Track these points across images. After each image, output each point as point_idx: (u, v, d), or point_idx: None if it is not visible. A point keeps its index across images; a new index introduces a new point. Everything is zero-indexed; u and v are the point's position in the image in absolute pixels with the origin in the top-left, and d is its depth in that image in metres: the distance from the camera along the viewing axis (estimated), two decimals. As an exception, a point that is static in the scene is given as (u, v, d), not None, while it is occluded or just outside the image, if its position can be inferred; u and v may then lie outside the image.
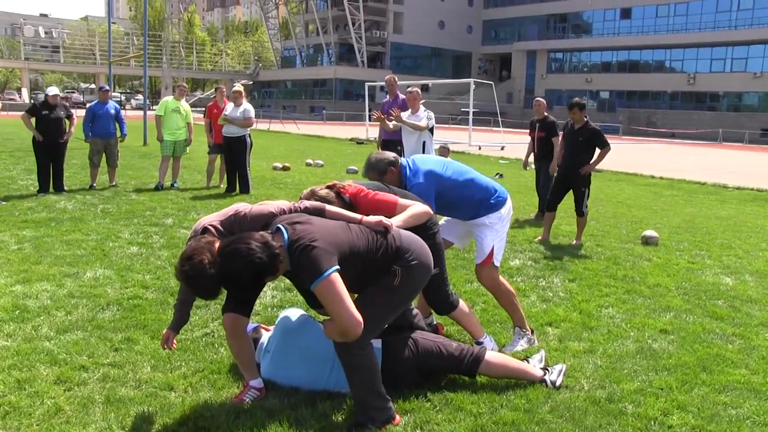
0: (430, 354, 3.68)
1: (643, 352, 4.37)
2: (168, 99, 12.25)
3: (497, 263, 4.47)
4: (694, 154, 30.18)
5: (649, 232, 8.33)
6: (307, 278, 2.94)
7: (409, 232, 3.41)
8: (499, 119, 32.04)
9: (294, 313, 3.81)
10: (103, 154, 11.71)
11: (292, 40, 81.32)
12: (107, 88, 11.81)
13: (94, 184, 11.54)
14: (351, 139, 30.38)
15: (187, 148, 12.30)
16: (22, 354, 4.03)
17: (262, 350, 3.86)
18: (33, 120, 10.58)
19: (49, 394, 3.51)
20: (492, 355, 3.77)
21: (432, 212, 3.88)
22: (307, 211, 3.34)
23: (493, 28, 74.30)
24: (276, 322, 3.90)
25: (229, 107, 11.26)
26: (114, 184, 11.74)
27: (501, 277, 4.52)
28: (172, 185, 11.97)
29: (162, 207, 9.76)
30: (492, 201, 4.36)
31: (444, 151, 13.27)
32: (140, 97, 67.58)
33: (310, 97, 73.87)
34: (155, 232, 7.91)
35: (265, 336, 3.94)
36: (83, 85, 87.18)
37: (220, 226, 3.37)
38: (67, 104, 11.23)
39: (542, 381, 3.75)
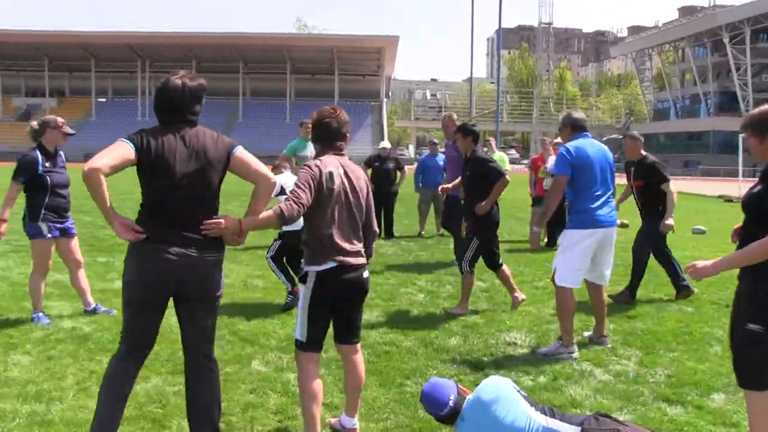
0: None
1: None
2: None
3: (559, 283, 5.26)
4: None
5: None
6: None
7: None
8: None
9: (495, 383, 3.41)
10: (432, 204, 12.37)
11: (666, 92, 77.09)
12: (436, 141, 12.58)
13: (423, 232, 12.27)
14: (719, 197, 27.26)
15: None
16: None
17: (461, 418, 3.52)
18: (369, 171, 11.70)
19: None
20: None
21: None
22: None
23: None
24: (476, 388, 3.54)
25: (551, 160, 10.97)
26: (440, 233, 12.28)
27: (566, 294, 5.23)
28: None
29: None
30: (578, 215, 5.24)
31: None
32: (513, 151, 70.47)
33: (684, 150, 68.55)
34: (449, 282, 7.99)
35: (465, 401, 3.59)
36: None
37: None
38: (398, 157, 12.27)
39: None
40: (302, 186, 3.39)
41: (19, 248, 9.11)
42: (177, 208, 3.16)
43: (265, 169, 3.26)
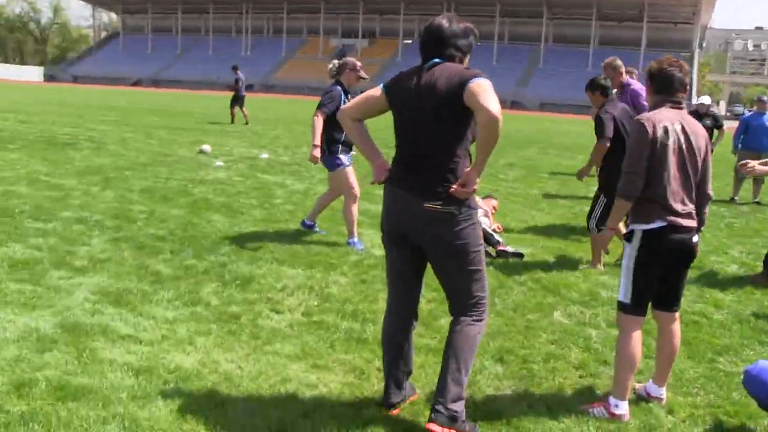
0: None
1: None
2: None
3: None
4: None
5: None
6: None
7: None
8: None
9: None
10: (754, 168, 11.16)
11: None
12: (765, 99, 11.18)
13: (736, 198, 11.16)
14: None
15: None
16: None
17: None
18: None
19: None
20: None
21: None
22: None
23: None
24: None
25: None
26: (756, 200, 11.12)
27: None
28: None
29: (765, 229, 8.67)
30: None
31: None
32: None
33: None
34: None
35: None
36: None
37: None
38: (717, 114, 11.07)
39: None
40: (632, 155, 3.25)
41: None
42: (409, 149, 3.02)
43: (487, 101, 2.69)
